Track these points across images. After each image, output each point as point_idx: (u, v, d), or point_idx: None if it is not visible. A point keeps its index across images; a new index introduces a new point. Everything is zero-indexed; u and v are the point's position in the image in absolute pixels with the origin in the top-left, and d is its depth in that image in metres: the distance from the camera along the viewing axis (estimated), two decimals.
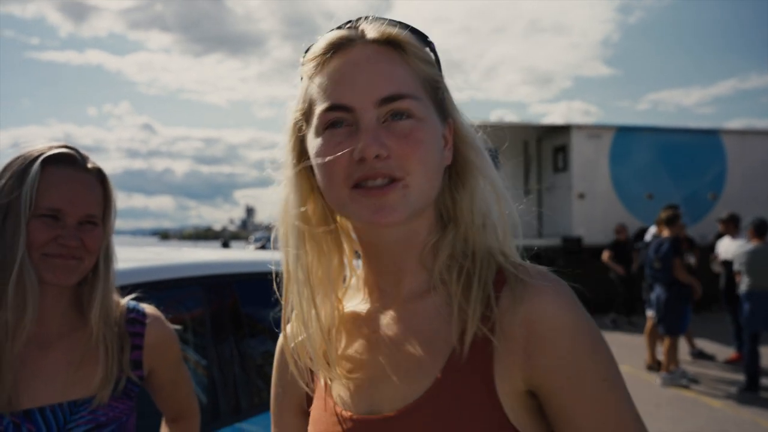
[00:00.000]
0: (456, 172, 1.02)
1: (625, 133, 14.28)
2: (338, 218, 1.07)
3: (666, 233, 8.22)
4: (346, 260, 1.08)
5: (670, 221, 8.15)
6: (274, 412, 1.15)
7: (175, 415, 1.78)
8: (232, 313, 2.68)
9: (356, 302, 1.08)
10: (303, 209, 1.01)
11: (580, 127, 14.06)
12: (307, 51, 0.99)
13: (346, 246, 1.08)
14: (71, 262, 1.42)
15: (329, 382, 1.02)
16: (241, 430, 2.47)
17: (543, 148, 15.35)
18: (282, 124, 1.02)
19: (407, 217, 0.92)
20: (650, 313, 8.78)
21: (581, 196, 13.94)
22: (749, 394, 7.46)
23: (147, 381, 1.64)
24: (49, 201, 1.40)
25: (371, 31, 0.95)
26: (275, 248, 1.05)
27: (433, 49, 1.01)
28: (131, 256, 2.57)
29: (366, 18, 0.98)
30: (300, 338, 1.02)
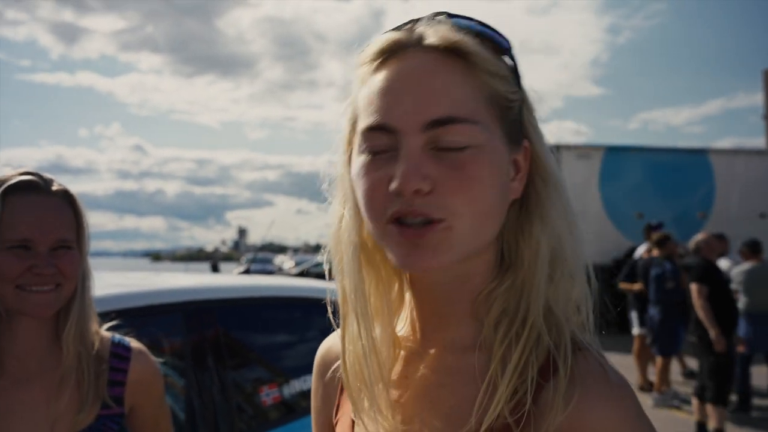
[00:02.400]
0: (526, 207, 0.85)
1: (614, 153, 14.35)
2: None
3: (656, 254, 8.21)
4: (406, 287, 0.92)
5: (660, 243, 8.15)
6: (315, 426, 1.06)
7: None
8: (213, 340, 2.63)
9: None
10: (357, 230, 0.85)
11: (569, 148, 14.12)
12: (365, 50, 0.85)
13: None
14: (50, 294, 1.34)
15: (354, 418, 0.87)
16: None
17: None
18: (331, 140, 0.89)
19: (450, 261, 0.76)
20: (637, 332, 8.73)
21: None
22: (741, 413, 7.44)
23: (128, 418, 1.56)
24: (16, 232, 1.32)
25: (431, 35, 0.79)
26: (330, 276, 0.91)
27: (512, 56, 0.84)
28: (111, 282, 2.53)
29: (433, 16, 0.81)
30: (350, 367, 0.87)
